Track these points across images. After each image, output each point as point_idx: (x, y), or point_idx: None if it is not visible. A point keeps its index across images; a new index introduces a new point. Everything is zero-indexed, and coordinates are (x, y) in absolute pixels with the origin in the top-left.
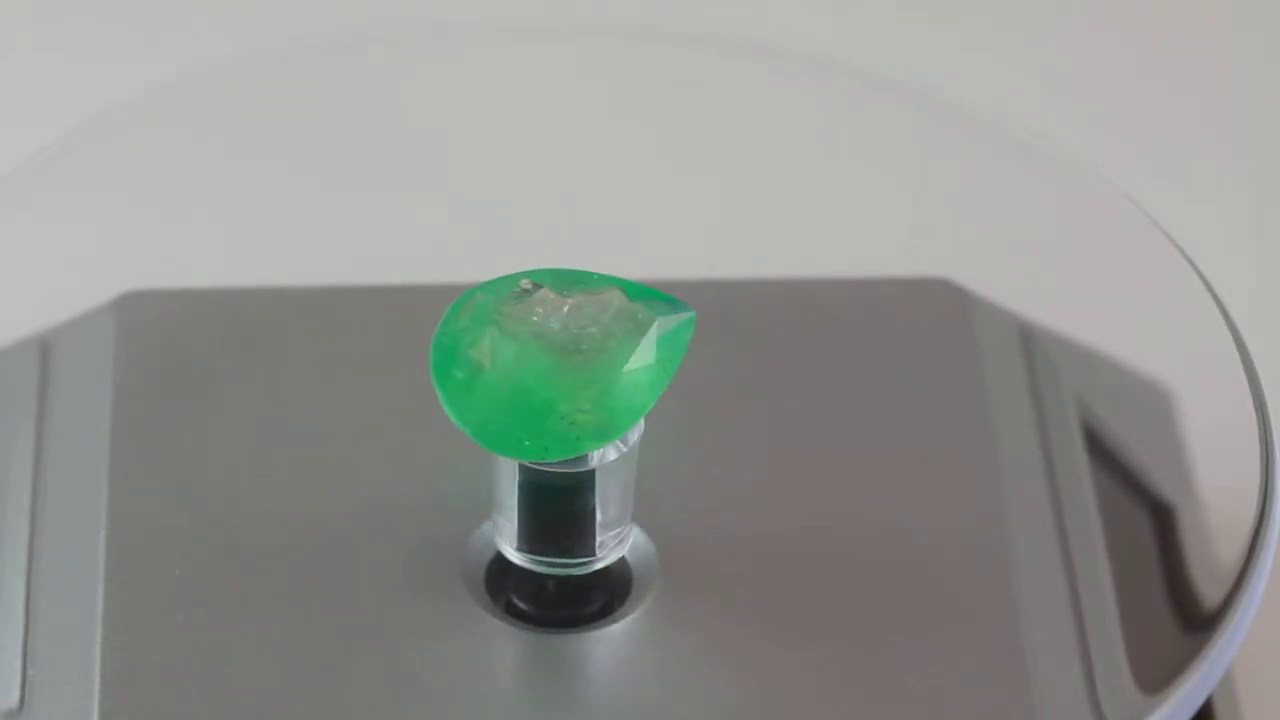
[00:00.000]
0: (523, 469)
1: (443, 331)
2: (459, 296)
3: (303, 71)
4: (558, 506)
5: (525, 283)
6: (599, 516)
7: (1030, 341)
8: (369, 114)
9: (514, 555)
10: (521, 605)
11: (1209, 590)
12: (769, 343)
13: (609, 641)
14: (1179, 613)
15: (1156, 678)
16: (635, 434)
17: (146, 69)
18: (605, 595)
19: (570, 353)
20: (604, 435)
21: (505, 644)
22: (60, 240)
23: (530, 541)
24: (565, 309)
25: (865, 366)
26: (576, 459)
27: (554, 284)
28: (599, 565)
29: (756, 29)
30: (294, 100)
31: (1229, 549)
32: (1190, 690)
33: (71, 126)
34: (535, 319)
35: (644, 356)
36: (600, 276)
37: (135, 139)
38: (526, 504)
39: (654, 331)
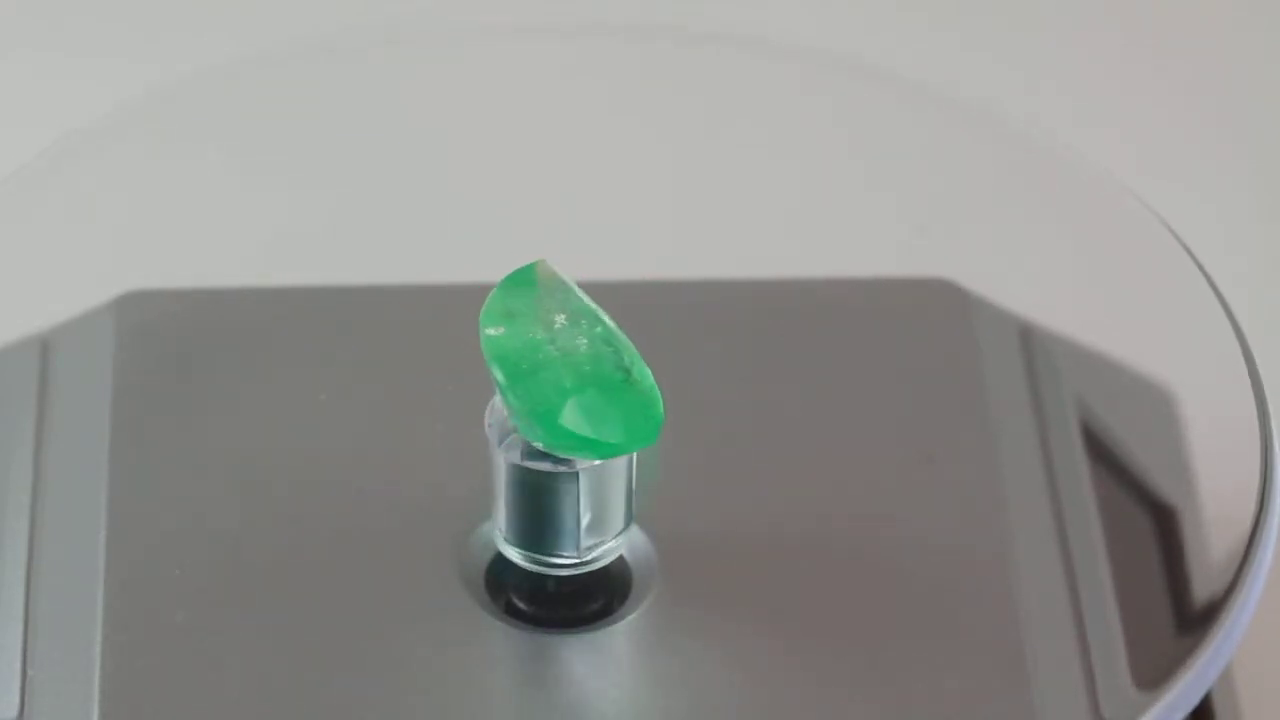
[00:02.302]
0: (511, 468)
1: (517, 411)
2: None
3: (303, 71)
4: (543, 505)
5: (491, 330)
6: (585, 519)
7: (1030, 342)
8: (369, 114)
9: (537, 566)
10: (521, 605)
11: (1208, 590)
12: (769, 343)
13: (609, 641)
14: (1178, 613)
15: (1155, 677)
16: None
17: (146, 69)
18: (605, 595)
19: (585, 348)
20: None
21: (505, 644)
22: (60, 240)
23: (520, 537)
24: (548, 328)
25: (865, 366)
26: (562, 461)
27: (515, 323)
28: (588, 569)
29: (757, 29)
30: (294, 100)
31: (1229, 549)
32: (1186, 689)
33: (72, 126)
34: (551, 348)
35: (606, 319)
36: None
37: (136, 139)
38: (515, 500)
39: (579, 300)
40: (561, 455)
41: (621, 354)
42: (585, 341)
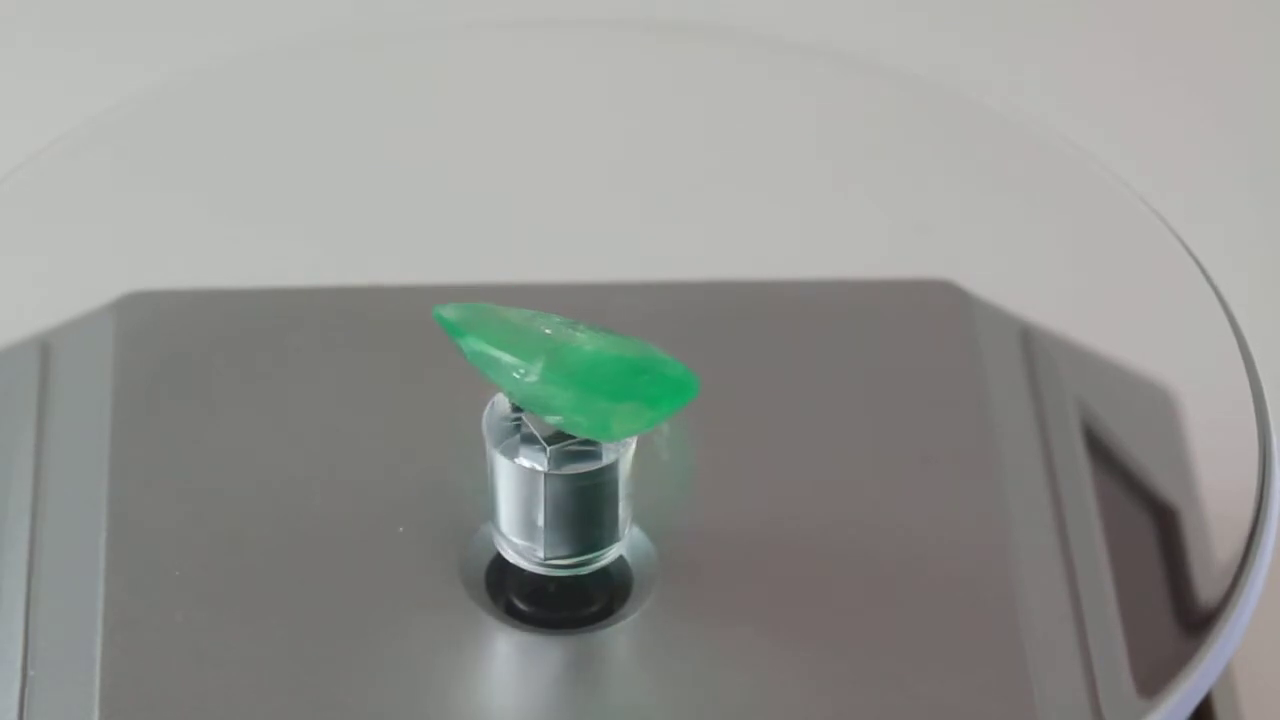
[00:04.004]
0: (550, 480)
1: (595, 409)
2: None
3: (301, 71)
4: (586, 506)
5: (530, 368)
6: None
7: (1031, 343)
8: (368, 114)
9: (540, 568)
10: (521, 606)
11: (1208, 591)
12: (769, 343)
13: (609, 642)
14: (1179, 613)
15: (1156, 677)
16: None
17: (146, 69)
18: (605, 596)
19: (589, 337)
20: None
21: (505, 645)
22: (60, 240)
23: (560, 547)
24: (549, 338)
25: (865, 367)
26: (595, 457)
27: (533, 349)
28: (616, 553)
29: (757, 28)
30: (294, 100)
31: (1229, 550)
32: (1187, 689)
33: (72, 126)
34: (575, 347)
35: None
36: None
37: (135, 139)
38: (556, 511)
39: (528, 310)
40: (625, 437)
41: (608, 330)
42: (577, 331)
